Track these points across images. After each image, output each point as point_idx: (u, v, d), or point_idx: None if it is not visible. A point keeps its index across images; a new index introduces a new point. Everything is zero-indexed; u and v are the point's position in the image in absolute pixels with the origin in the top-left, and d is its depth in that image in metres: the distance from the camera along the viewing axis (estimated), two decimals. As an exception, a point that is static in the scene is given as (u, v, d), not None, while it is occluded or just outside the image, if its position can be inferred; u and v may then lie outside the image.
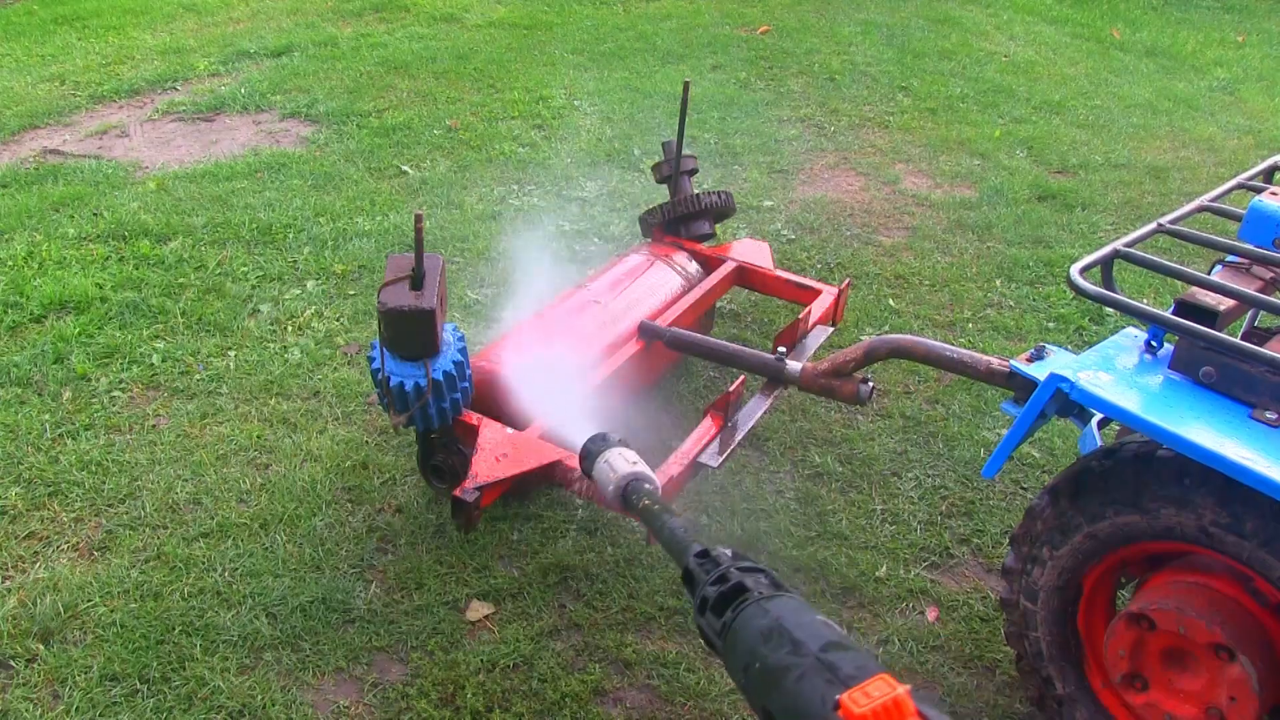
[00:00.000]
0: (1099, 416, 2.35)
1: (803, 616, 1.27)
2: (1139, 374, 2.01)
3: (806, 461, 3.15)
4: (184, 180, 4.91)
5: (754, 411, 2.78)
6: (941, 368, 2.53)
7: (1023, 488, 3.10)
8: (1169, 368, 2.00)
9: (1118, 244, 2.06)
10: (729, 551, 1.47)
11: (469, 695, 2.32)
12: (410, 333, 2.31)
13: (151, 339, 3.59)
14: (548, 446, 2.48)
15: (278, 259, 4.16)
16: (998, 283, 4.29)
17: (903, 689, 1.05)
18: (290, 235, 4.35)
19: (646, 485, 2.00)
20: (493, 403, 2.68)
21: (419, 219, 2.26)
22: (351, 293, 3.95)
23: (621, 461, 2.04)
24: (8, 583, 2.57)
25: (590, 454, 2.11)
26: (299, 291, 3.93)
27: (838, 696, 1.08)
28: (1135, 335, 2.18)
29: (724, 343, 2.96)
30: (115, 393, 3.30)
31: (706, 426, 2.66)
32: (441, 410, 2.45)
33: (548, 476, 2.51)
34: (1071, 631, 2.15)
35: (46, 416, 3.17)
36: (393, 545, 2.75)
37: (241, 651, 2.40)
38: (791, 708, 1.16)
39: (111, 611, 2.48)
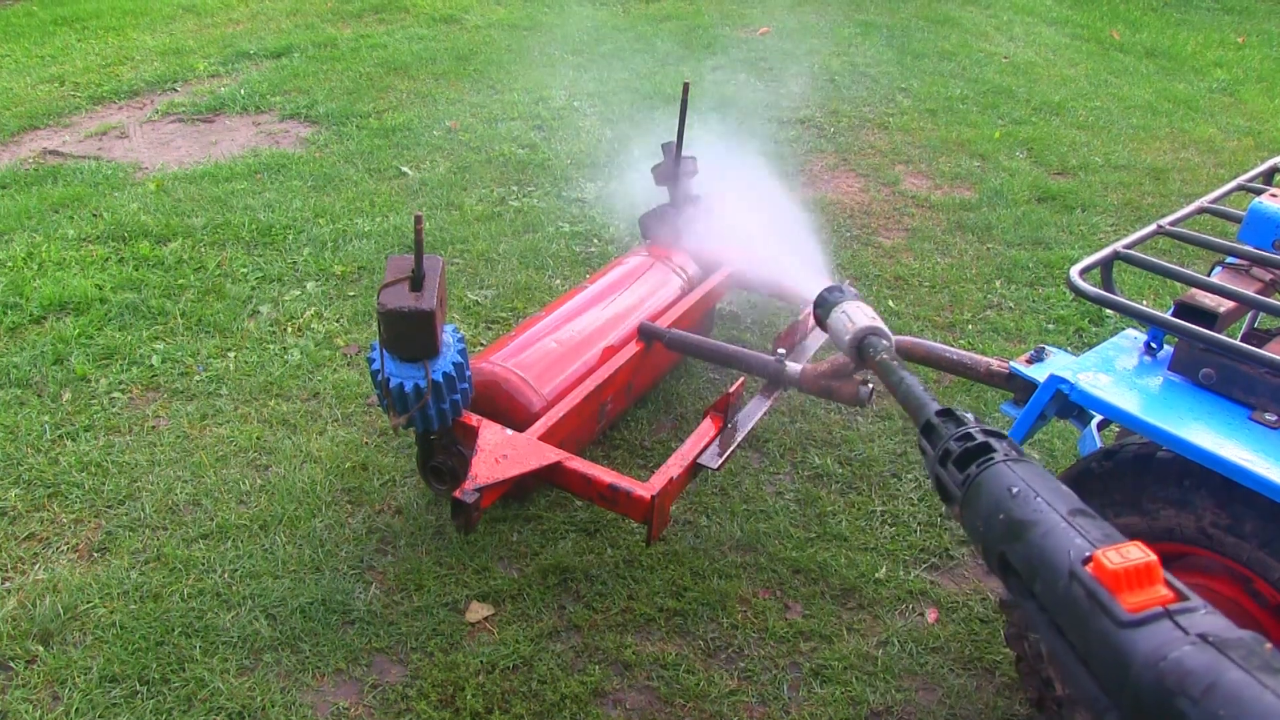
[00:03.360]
0: (1099, 418, 2.34)
1: (1050, 482, 1.33)
2: (1139, 375, 2.01)
3: (806, 463, 3.15)
4: (183, 181, 4.91)
5: (754, 413, 2.78)
6: (941, 369, 2.53)
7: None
8: (1169, 369, 2.00)
9: (1117, 245, 2.06)
10: (971, 416, 1.52)
11: (469, 696, 2.32)
12: (410, 334, 2.31)
13: (151, 340, 3.59)
14: (548, 448, 2.48)
15: (277, 260, 4.16)
16: (997, 284, 4.29)
17: (1154, 557, 1.09)
18: (290, 236, 4.35)
19: (884, 341, 1.99)
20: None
21: (419, 220, 2.26)
22: (351, 294, 3.95)
23: (860, 314, 2.03)
24: (7, 584, 2.57)
25: (826, 303, 2.10)
26: (299, 293, 3.93)
27: (1089, 552, 1.12)
28: (1135, 337, 2.18)
29: (724, 344, 2.96)
30: (115, 394, 3.30)
31: (706, 428, 2.66)
32: (441, 412, 2.45)
33: (547, 478, 2.51)
34: (1071, 633, 2.15)
35: (46, 418, 3.17)
36: (392, 547, 2.75)
37: (241, 653, 2.40)
38: (1035, 557, 1.20)
39: (111, 613, 2.48)
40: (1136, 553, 1.09)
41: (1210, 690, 0.94)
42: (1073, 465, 2.08)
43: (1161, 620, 1.03)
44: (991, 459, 1.39)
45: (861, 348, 1.99)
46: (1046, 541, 1.19)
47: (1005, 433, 1.49)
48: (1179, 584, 1.07)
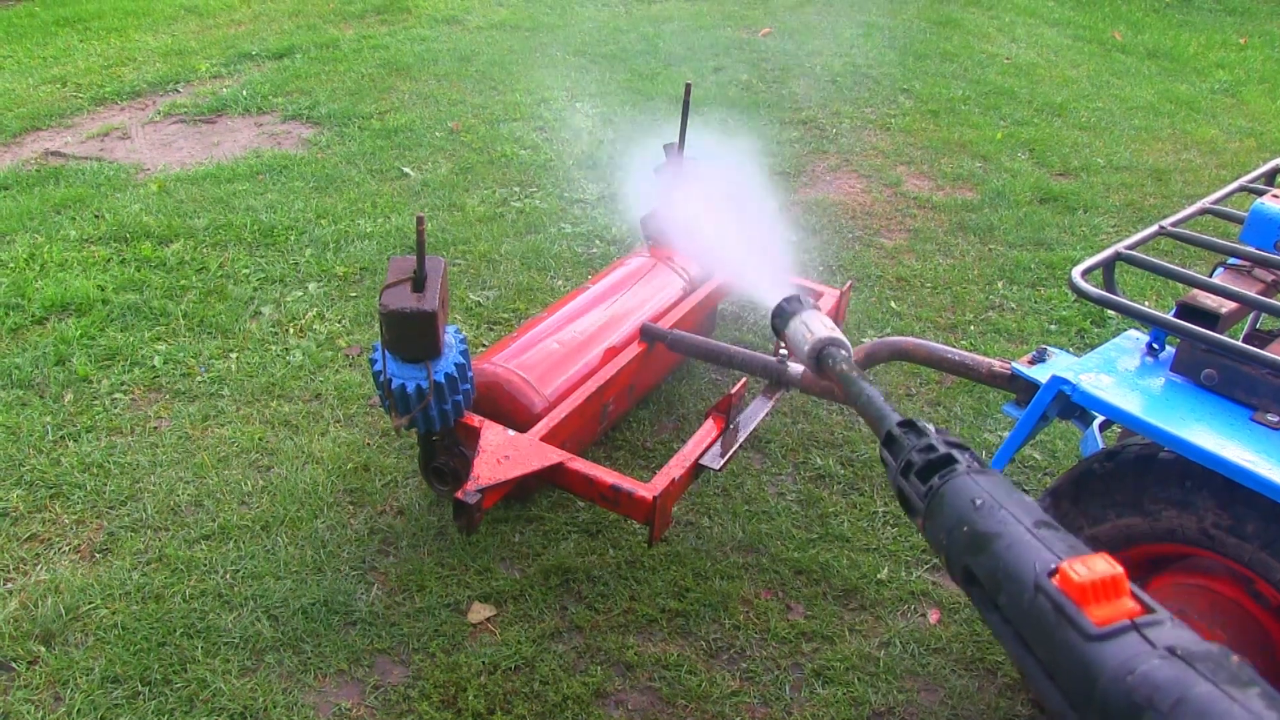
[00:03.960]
0: (1100, 419, 2.35)
1: (1014, 494, 1.31)
2: (1140, 376, 2.01)
3: (808, 464, 3.15)
4: (185, 182, 4.91)
5: (756, 414, 2.78)
6: (943, 370, 2.53)
7: (1024, 490, 3.10)
8: (1170, 370, 2.00)
9: (1119, 246, 2.06)
10: (933, 427, 1.51)
11: (470, 697, 2.32)
12: (412, 335, 2.31)
13: (153, 341, 3.60)
14: (550, 449, 2.48)
15: (279, 261, 4.16)
16: (999, 285, 4.29)
17: (1120, 569, 1.07)
18: (292, 237, 4.35)
19: (843, 351, 1.98)
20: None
21: (421, 221, 2.26)
22: (353, 295, 3.95)
23: (819, 325, 2.02)
24: (9, 585, 2.57)
25: (785, 313, 2.08)
26: (301, 294, 3.94)
27: (1055, 565, 1.11)
28: (1137, 338, 2.18)
29: (725, 345, 2.96)
30: (117, 395, 3.30)
31: (708, 429, 2.66)
32: (443, 412, 2.45)
33: (549, 479, 2.51)
34: (1073, 634, 2.14)
35: (48, 418, 3.17)
36: (394, 547, 2.75)
37: (243, 654, 2.40)
38: (999, 569, 1.19)
39: (113, 614, 2.48)
40: (1103, 565, 1.07)
41: (1179, 704, 0.93)
42: (1074, 466, 2.09)
43: (1129, 633, 1.02)
44: (955, 470, 1.38)
45: (820, 358, 1.98)
46: (1011, 554, 1.18)
47: (967, 444, 1.48)
48: (1145, 596, 1.06)
